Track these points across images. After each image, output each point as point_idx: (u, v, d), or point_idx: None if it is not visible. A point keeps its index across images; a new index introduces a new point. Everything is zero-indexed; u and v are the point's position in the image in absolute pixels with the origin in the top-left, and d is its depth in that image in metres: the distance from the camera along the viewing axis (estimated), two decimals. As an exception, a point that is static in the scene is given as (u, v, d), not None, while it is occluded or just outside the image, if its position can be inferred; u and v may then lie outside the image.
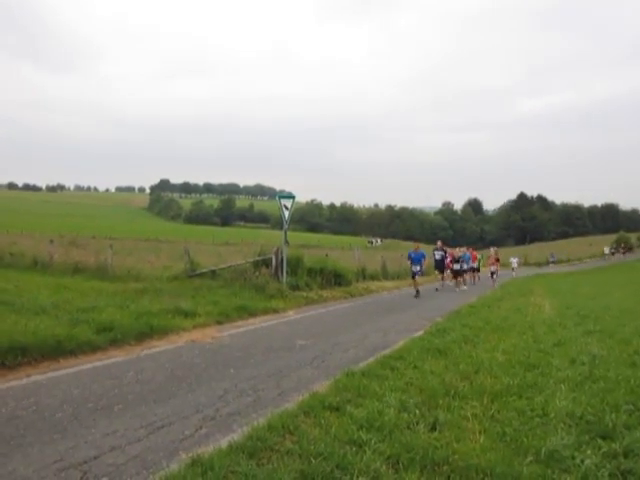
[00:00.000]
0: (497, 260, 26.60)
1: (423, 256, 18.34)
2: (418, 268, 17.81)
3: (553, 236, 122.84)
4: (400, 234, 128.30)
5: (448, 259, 22.41)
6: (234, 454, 3.76)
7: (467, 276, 24.27)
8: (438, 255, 21.95)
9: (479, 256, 29.57)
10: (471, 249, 27.24)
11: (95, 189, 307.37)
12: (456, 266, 22.17)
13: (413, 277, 18.08)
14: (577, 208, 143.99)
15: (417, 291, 17.62)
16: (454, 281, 22.89)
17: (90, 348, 7.04)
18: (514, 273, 36.40)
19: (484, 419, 4.66)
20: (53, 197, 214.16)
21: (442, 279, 22.50)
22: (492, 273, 25.07)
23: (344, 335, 9.36)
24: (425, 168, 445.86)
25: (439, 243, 22.52)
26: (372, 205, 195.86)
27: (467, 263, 23.49)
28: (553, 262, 56.66)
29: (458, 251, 23.52)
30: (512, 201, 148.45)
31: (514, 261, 39.46)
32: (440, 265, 22.08)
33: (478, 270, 27.96)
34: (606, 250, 64.12)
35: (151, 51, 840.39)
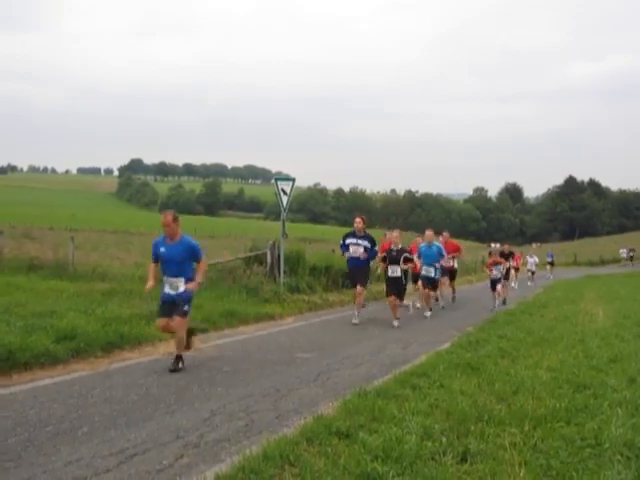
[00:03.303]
0: (504, 261, 18.21)
1: (438, 252, 14.35)
2: (432, 271, 14.06)
3: (608, 229, 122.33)
4: (422, 225, 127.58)
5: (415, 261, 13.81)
6: (222, 488, 3.78)
7: (444, 287, 17.02)
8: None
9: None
10: (506, 245, 22.64)
11: (53, 170, 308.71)
12: (425, 270, 14.08)
13: (425, 286, 14.15)
14: (637, 196, 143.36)
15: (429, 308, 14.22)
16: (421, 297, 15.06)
17: (49, 360, 7.06)
18: (531, 282, 28.88)
19: (525, 449, 4.66)
20: (2, 180, 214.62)
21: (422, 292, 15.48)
22: (493, 281, 16.54)
23: (355, 347, 9.38)
24: (452, 148, 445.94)
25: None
26: (388, 191, 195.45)
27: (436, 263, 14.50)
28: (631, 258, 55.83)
29: (395, 237, 12.61)
30: (558, 187, 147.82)
31: (531, 261, 31.09)
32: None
33: (516, 270, 26.40)
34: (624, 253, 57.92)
35: (124, 3, 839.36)
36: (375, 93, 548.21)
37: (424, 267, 13.93)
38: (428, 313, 13.77)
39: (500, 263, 16.86)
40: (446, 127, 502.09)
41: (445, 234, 17.44)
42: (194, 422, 5.35)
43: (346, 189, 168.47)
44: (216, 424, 5.33)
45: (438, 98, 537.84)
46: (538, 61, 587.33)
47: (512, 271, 25.59)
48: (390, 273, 11.99)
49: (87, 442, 4.75)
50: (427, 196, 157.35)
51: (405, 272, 12.01)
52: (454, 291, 17.92)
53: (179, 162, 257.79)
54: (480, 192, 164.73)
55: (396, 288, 11.99)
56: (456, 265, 17.76)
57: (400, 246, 12.17)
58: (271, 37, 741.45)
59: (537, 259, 32.37)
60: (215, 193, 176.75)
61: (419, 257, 13.93)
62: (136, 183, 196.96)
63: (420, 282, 14.52)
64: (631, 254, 56.69)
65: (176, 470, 4.26)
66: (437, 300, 15.82)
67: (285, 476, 4.03)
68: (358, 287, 12.04)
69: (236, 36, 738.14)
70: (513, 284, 25.16)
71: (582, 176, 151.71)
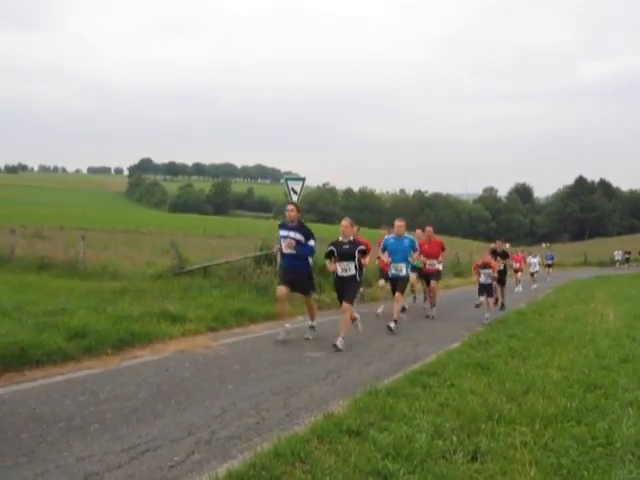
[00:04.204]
0: (495, 264, 14.34)
1: (411, 245, 11.68)
2: (402, 269, 11.54)
3: (618, 230, 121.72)
4: (431, 226, 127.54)
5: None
6: (234, 485, 3.80)
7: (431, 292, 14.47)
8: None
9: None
10: (499, 242, 17.81)
11: (63, 170, 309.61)
12: (394, 268, 11.67)
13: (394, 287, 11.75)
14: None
15: (403, 308, 12.58)
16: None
17: (60, 357, 7.11)
18: (534, 285, 26.95)
19: (535, 448, 4.67)
20: (13, 179, 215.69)
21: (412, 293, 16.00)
22: (482, 286, 13.38)
23: (365, 346, 9.39)
24: (462, 148, 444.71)
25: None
26: (397, 191, 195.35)
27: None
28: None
29: (345, 226, 9.94)
30: (568, 187, 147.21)
31: (534, 262, 29.06)
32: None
33: (518, 270, 24.96)
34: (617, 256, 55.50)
35: (133, 4, 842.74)
36: (386, 93, 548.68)
37: (393, 264, 11.43)
38: (392, 325, 10.92)
39: (489, 266, 13.33)
40: (456, 127, 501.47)
41: (429, 229, 14.72)
42: (205, 419, 5.38)
43: (355, 189, 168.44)
44: (227, 421, 5.35)
45: (450, 98, 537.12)
46: (548, 60, 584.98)
47: (519, 274, 25.07)
48: (340, 272, 9.59)
49: (99, 438, 4.78)
50: (436, 196, 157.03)
51: (360, 270, 9.85)
52: (435, 298, 14.18)
53: (189, 162, 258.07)
54: (490, 192, 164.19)
55: (349, 290, 9.58)
56: (441, 267, 14.78)
57: (352, 237, 9.87)
58: (281, 37, 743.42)
59: (540, 259, 31.07)
60: (224, 193, 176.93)
61: (383, 251, 11.70)
62: (146, 183, 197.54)
63: (382, 282, 13.00)
64: (627, 256, 54.92)
65: (187, 466, 4.28)
66: (403, 310, 12.61)
67: (296, 473, 4.04)
68: (305, 297, 9.92)
69: (247, 36, 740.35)
70: (517, 289, 24.12)
71: (593, 176, 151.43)
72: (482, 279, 13.26)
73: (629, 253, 55.62)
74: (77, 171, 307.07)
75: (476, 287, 13.80)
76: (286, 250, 9.50)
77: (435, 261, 14.05)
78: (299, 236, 9.47)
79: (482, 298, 13.25)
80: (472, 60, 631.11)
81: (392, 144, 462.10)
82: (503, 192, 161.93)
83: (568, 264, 56.75)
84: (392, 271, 11.59)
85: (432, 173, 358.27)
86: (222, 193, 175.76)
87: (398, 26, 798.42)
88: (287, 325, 9.55)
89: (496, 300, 15.23)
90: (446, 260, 19.34)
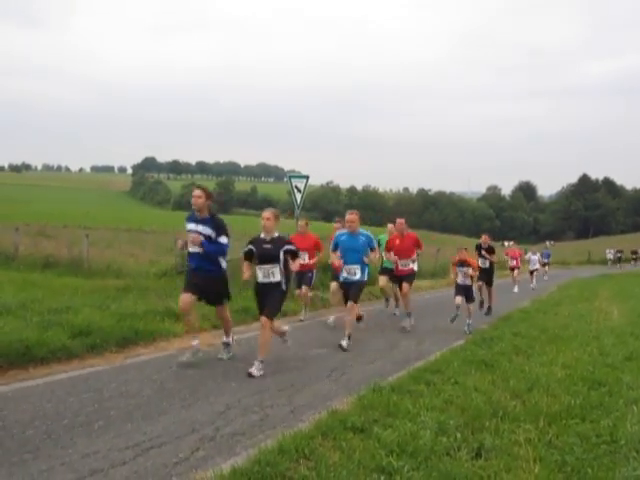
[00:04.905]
0: (474, 261, 12.39)
1: (368, 243, 9.56)
2: (356, 272, 9.45)
3: (622, 228, 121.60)
4: (435, 224, 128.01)
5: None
6: (238, 481, 3.81)
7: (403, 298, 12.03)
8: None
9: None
10: (485, 236, 15.69)
11: (67, 169, 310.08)
12: (346, 271, 9.57)
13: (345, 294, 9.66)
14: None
15: (358, 317, 10.33)
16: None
17: (64, 355, 7.14)
18: (533, 284, 25.01)
19: (539, 445, 4.67)
20: (17, 178, 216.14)
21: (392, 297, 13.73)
22: (459, 288, 11.59)
23: (368, 343, 9.40)
24: (466, 146, 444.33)
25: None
26: (401, 189, 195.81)
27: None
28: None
29: (267, 218, 7.73)
30: (572, 185, 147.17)
31: (533, 259, 26.75)
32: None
33: (515, 269, 22.72)
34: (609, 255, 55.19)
35: (139, 2, 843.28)
36: (389, 91, 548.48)
37: (345, 267, 9.47)
38: (344, 342, 8.94)
39: (467, 263, 11.54)
40: (460, 125, 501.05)
41: (400, 221, 12.06)
42: (209, 416, 5.40)
43: (359, 187, 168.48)
44: (231, 418, 5.37)
45: (452, 96, 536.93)
46: (553, 59, 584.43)
47: (515, 272, 22.69)
48: (261, 278, 7.52)
49: (103, 435, 4.79)
50: (440, 195, 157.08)
51: (287, 275, 7.67)
52: (408, 305, 11.66)
53: (192, 160, 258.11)
54: (494, 190, 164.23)
55: (271, 302, 7.45)
56: (416, 267, 12.13)
57: (277, 234, 7.74)
58: (286, 36, 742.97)
59: (540, 257, 28.56)
60: (228, 191, 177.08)
61: (334, 250, 9.79)
62: (149, 181, 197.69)
63: (334, 286, 10.74)
64: (619, 255, 54.56)
65: (192, 463, 4.30)
66: (359, 319, 10.35)
67: (300, 469, 4.05)
68: (218, 307, 8.01)
69: (250, 36, 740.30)
70: (516, 289, 22.19)
71: (597, 174, 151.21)
72: (460, 279, 11.55)
73: (621, 252, 55.18)
74: (81, 170, 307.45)
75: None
76: (191, 248, 7.64)
77: (409, 260, 11.63)
78: (208, 230, 7.59)
79: (459, 299, 11.33)
80: (476, 59, 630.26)
81: (396, 143, 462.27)
82: (507, 190, 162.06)
83: (572, 262, 56.72)
84: (343, 274, 9.53)
85: (435, 172, 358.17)
86: (225, 192, 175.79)
87: (397, 25, 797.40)
88: (195, 342, 7.54)
89: (481, 303, 14.21)
90: (444, 258, 18.37)
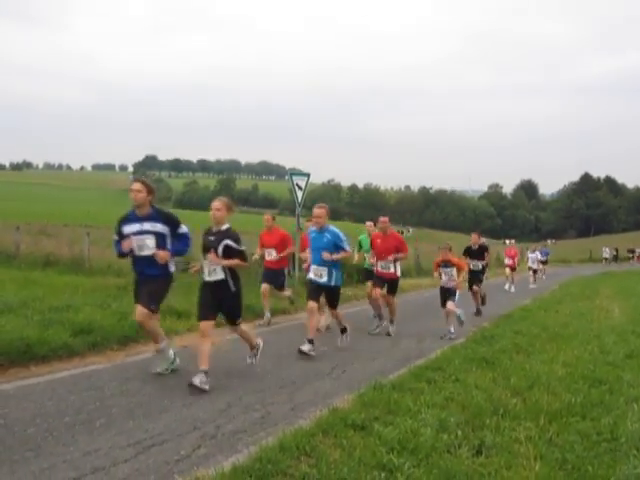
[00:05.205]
0: (459, 261, 11.34)
1: (334, 242, 8.47)
2: (323, 273, 8.48)
3: (624, 227, 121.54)
4: (437, 222, 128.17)
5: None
6: (239, 478, 3.82)
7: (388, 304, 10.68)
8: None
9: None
10: (475, 235, 14.97)
11: (68, 167, 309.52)
12: (313, 271, 8.73)
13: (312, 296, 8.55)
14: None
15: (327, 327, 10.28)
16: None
17: (66, 353, 7.16)
18: (532, 283, 24.54)
19: (540, 443, 4.67)
20: (18, 177, 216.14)
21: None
22: (443, 291, 10.69)
23: (369, 341, 9.42)
24: (467, 144, 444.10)
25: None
26: (402, 187, 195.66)
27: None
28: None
29: (217, 208, 6.81)
30: (574, 184, 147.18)
31: (532, 257, 26.02)
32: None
33: (513, 269, 22.22)
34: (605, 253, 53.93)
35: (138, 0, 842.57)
36: (390, 90, 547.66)
37: (312, 266, 8.62)
38: (306, 347, 8.04)
39: (451, 263, 10.55)
40: (461, 123, 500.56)
41: (383, 219, 10.56)
42: (210, 414, 5.41)
43: (360, 185, 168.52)
44: (232, 416, 5.38)
45: (453, 94, 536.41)
46: (554, 57, 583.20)
47: (508, 270, 22.13)
48: (206, 276, 6.65)
49: (105, 433, 4.81)
50: (441, 193, 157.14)
51: (233, 274, 6.69)
52: (393, 313, 10.58)
53: (193, 158, 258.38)
54: (495, 189, 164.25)
55: (212, 307, 6.61)
56: (399, 272, 10.55)
57: (225, 226, 6.77)
58: (286, 35, 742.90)
59: (540, 255, 27.74)
60: (229, 189, 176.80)
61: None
62: (150, 179, 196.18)
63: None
64: (614, 253, 54.43)
65: (194, 460, 4.31)
66: (344, 331, 9.00)
67: (301, 467, 4.06)
68: (143, 312, 6.57)
69: (252, 33, 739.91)
70: (510, 287, 21.75)
71: (598, 173, 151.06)
72: (443, 280, 10.62)
73: (617, 251, 55.02)
74: (82, 168, 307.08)
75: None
76: (139, 251, 6.59)
77: (390, 262, 10.27)
78: (159, 227, 6.64)
79: (450, 305, 10.39)
80: (478, 55, 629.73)
81: (397, 141, 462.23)
82: (508, 189, 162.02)
83: (573, 260, 56.69)
84: (310, 275, 8.70)
85: (437, 169, 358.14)
86: (227, 189, 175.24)
87: (397, 25, 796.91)
88: (161, 345, 6.80)
89: (478, 311, 13.71)
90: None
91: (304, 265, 10.46)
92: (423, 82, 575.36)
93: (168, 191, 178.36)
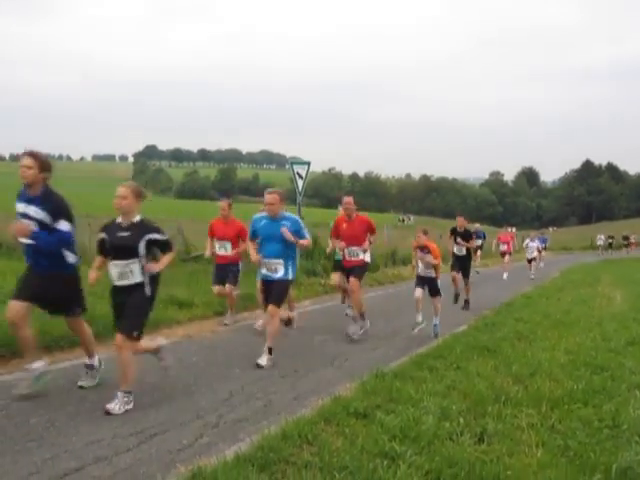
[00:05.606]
0: (435, 247, 9.56)
1: (294, 230, 7.41)
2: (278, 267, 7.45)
3: (625, 213, 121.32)
4: (437, 210, 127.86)
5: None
6: (242, 467, 3.82)
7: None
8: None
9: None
10: (461, 218, 13.71)
11: (68, 157, 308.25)
12: (265, 265, 7.58)
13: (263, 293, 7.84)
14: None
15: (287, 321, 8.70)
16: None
17: (67, 343, 7.15)
18: (532, 273, 21.47)
19: (542, 430, 4.69)
20: (17, 168, 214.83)
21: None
22: (420, 279, 9.51)
23: (370, 330, 9.40)
24: (468, 131, 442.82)
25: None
26: (403, 175, 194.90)
27: None
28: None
29: (122, 192, 5.58)
30: (575, 171, 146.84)
31: (532, 246, 22.56)
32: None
33: (507, 254, 21.39)
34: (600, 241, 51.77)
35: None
36: (390, 76, 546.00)
37: (264, 260, 7.46)
38: (264, 359, 6.88)
39: (427, 249, 9.26)
40: (462, 110, 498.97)
41: (347, 199, 9.28)
42: (213, 403, 5.43)
43: (361, 173, 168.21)
44: (235, 405, 5.39)
45: (454, 80, 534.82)
46: (557, 42, 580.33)
47: (506, 258, 21.38)
48: (116, 279, 5.48)
49: (107, 423, 4.81)
50: (442, 180, 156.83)
51: (152, 278, 5.54)
52: (358, 304, 9.09)
53: (194, 148, 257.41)
54: (496, 176, 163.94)
55: (129, 314, 5.45)
56: (368, 258, 9.36)
57: (137, 218, 5.61)
58: (288, 21, 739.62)
59: (539, 244, 24.84)
60: (230, 179, 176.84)
61: (252, 239, 7.89)
62: (151, 169, 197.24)
63: (258, 291, 8.45)
64: (610, 241, 53.29)
65: (196, 449, 4.32)
66: (289, 323, 8.76)
67: (304, 455, 4.07)
68: (68, 319, 6.01)
69: (254, 21, 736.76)
70: (505, 276, 20.51)
71: (600, 160, 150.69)
72: (420, 268, 9.50)
73: (612, 238, 53.67)
74: (82, 159, 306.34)
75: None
76: (21, 238, 5.61)
77: (358, 249, 9.08)
78: (41, 214, 5.53)
79: (418, 291, 9.35)
80: (479, 41, 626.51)
81: (398, 128, 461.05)
82: (510, 176, 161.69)
83: (575, 248, 56.63)
84: (262, 271, 7.61)
85: (438, 157, 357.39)
86: (227, 179, 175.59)
87: (409, 9, 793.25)
88: (36, 365, 5.54)
89: (456, 296, 12.72)
90: (446, 244, 16.26)
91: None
92: (423, 72, 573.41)
93: (169, 181, 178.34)
